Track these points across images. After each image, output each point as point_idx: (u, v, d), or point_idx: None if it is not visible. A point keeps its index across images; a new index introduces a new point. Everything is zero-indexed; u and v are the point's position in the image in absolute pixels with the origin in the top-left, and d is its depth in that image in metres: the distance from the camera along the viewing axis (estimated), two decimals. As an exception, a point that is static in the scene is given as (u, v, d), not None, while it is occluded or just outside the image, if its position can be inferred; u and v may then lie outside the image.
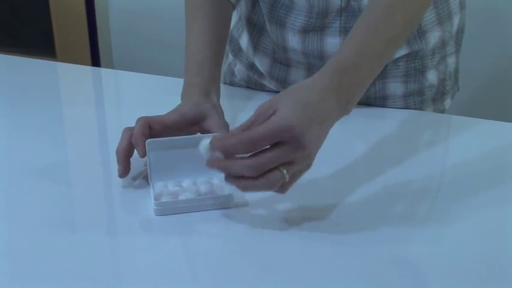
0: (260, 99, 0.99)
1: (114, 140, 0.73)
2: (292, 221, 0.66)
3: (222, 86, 0.86)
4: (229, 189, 0.68)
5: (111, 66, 2.27)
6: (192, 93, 0.80)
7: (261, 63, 1.00)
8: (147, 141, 0.70)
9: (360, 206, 0.69)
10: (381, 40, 0.68)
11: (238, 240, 0.63)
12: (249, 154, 0.60)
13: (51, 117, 0.96)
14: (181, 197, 0.67)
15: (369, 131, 0.89)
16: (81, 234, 0.64)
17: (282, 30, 0.93)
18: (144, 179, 0.73)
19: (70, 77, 1.21)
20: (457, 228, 0.65)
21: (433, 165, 0.81)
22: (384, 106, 0.97)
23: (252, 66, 1.03)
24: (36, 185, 0.73)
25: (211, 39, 0.85)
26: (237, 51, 1.05)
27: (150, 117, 0.74)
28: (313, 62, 0.93)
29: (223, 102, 0.83)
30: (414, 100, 0.97)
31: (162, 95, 1.02)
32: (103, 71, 1.35)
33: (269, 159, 0.59)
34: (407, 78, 0.95)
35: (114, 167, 0.72)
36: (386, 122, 0.93)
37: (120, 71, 1.26)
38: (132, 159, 0.72)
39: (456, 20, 0.96)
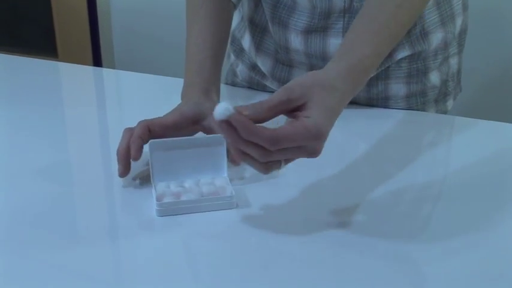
0: (262, 99, 0.99)
1: (116, 140, 0.73)
2: (294, 221, 0.66)
3: (223, 86, 0.86)
4: (231, 190, 0.68)
5: (112, 65, 2.27)
6: (192, 93, 0.80)
7: (263, 64, 1.00)
8: (149, 142, 0.70)
9: (362, 207, 0.68)
10: (392, 40, 0.70)
11: (240, 241, 0.63)
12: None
13: (53, 117, 0.96)
14: (184, 198, 0.67)
15: (371, 132, 0.89)
16: (83, 235, 0.64)
17: (284, 30, 0.93)
18: (146, 179, 0.73)
19: (71, 77, 1.21)
20: (459, 229, 0.64)
21: (435, 166, 0.81)
22: (386, 107, 0.97)
23: (254, 67, 1.03)
24: (38, 184, 0.73)
25: (212, 39, 0.85)
26: (239, 51, 1.05)
27: (150, 120, 0.73)
28: (316, 63, 0.93)
29: (225, 103, 0.83)
30: (416, 101, 0.97)
31: (163, 95, 1.02)
32: (104, 71, 1.35)
33: (283, 155, 0.59)
34: (409, 79, 0.95)
35: (116, 167, 0.71)
36: (389, 122, 0.93)
37: (122, 71, 1.26)
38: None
39: (459, 21, 0.95)
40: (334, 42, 0.90)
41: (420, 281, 0.58)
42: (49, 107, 1.00)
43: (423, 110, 0.98)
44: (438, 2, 0.91)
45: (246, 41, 1.02)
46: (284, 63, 0.98)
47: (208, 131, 0.76)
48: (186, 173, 0.71)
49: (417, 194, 0.74)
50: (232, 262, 0.59)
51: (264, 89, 1.04)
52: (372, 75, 0.69)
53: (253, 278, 0.57)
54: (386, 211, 0.68)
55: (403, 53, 0.92)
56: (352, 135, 0.87)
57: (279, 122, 0.60)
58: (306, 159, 0.61)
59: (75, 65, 1.29)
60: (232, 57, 1.07)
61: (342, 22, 0.88)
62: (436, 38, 0.93)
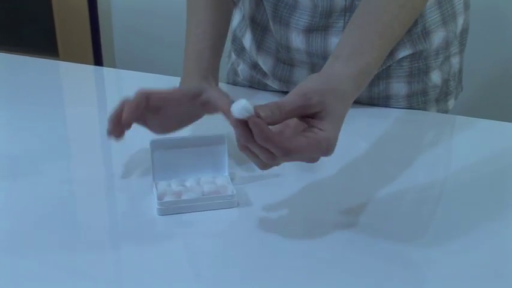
0: (263, 98, 0.99)
1: (117, 139, 0.73)
2: (295, 221, 0.66)
3: (224, 85, 0.86)
4: (232, 189, 0.68)
5: (113, 64, 2.27)
6: (190, 80, 0.79)
7: (265, 63, 1.00)
8: (150, 141, 0.70)
9: (363, 206, 0.68)
10: (394, 40, 0.71)
11: (241, 240, 0.63)
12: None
13: (53, 116, 0.96)
14: (185, 197, 0.67)
15: (372, 131, 0.89)
16: (84, 233, 0.64)
17: (285, 29, 0.93)
18: (147, 177, 0.72)
19: (72, 76, 1.21)
20: (460, 229, 0.64)
21: (436, 165, 0.81)
22: (387, 106, 0.97)
23: (255, 66, 1.03)
24: (38, 183, 0.73)
25: (212, 30, 0.85)
26: (240, 50, 1.05)
27: (149, 89, 0.72)
28: (317, 62, 0.93)
29: (226, 102, 0.83)
30: (418, 100, 0.96)
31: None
32: (105, 70, 1.35)
33: (287, 160, 0.59)
34: (411, 78, 0.95)
35: (117, 166, 0.71)
36: (390, 122, 0.93)
37: (123, 70, 1.26)
38: (134, 157, 0.72)
39: (460, 21, 0.95)
40: (335, 41, 0.90)
41: (420, 281, 0.58)
42: (50, 106, 1.00)
43: (424, 109, 0.98)
44: (439, 1, 0.91)
45: (247, 40, 1.02)
46: (285, 62, 0.98)
47: (206, 106, 0.74)
48: (187, 172, 0.71)
49: (418, 193, 0.74)
50: (233, 261, 0.59)
51: (265, 88, 1.04)
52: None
53: (254, 277, 0.57)
54: (388, 211, 0.68)
55: (404, 52, 0.92)
56: (353, 135, 0.87)
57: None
58: None
59: (76, 64, 1.29)
60: (234, 56, 1.07)
61: (343, 21, 0.88)
62: (438, 37, 0.92)
